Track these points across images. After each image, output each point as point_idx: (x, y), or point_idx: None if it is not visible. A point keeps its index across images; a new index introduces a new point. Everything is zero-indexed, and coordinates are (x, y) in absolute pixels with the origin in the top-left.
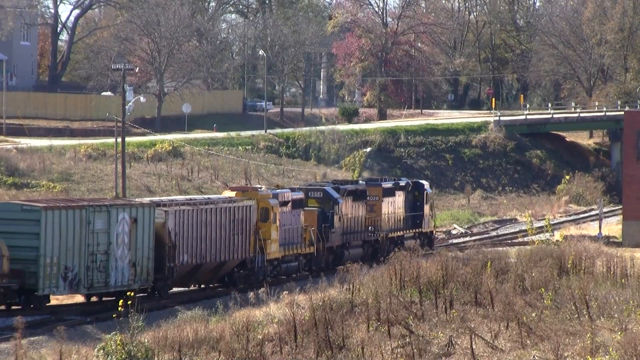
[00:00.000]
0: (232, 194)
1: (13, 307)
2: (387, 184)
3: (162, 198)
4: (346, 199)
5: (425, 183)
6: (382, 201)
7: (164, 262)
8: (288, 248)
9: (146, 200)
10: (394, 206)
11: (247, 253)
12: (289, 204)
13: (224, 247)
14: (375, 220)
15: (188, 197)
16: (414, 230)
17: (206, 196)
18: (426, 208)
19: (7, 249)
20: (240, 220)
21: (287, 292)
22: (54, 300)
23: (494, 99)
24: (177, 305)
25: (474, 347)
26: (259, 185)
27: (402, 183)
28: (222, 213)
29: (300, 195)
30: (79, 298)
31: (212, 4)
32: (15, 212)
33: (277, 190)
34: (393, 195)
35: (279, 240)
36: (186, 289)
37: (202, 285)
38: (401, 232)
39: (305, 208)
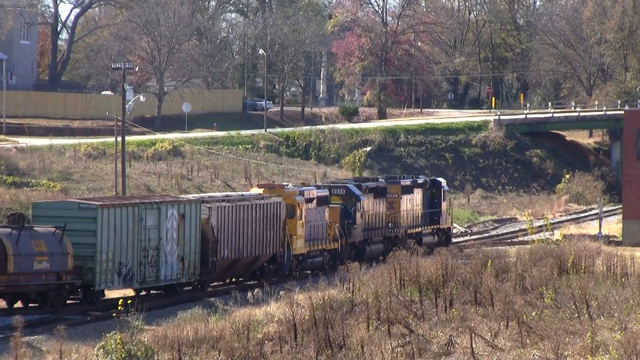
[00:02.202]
0: (260, 190)
1: (69, 302)
2: (406, 182)
3: (202, 195)
4: (367, 195)
5: (443, 181)
6: (401, 198)
7: (208, 256)
8: (313, 244)
9: (192, 196)
10: (412, 203)
11: (277, 248)
12: (314, 201)
13: (258, 242)
14: (395, 216)
15: (224, 193)
16: (432, 227)
17: (239, 193)
18: (443, 205)
19: (72, 246)
20: (271, 216)
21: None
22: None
23: (494, 98)
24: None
25: (474, 346)
26: (286, 183)
27: (420, 181)
28: (256, 209)
29: (325, 192)
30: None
31: (212, 3)
32: (72, 210)
33: (303, 188)
34: (411, 192)
35: (304, 236)
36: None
37: (236, 280)
38: (419, 228)
39: (330, 205)
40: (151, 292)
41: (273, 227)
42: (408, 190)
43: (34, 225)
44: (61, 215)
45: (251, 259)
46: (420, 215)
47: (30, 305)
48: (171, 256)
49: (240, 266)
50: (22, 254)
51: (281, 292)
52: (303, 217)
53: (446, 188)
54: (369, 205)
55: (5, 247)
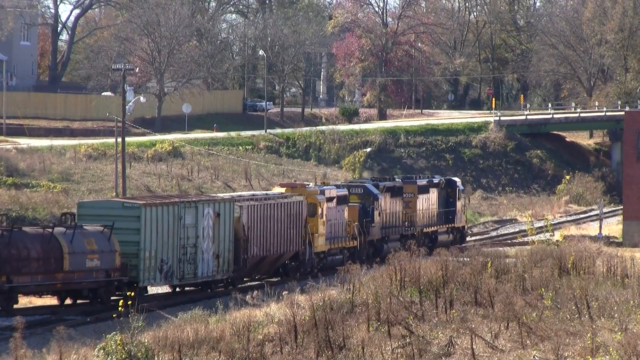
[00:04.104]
0: (282, 190)
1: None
2: (422, 182)
3: (232, 194)
4: (385, 194)
5: (458, 180)
6: (417, 198)
7: (239, 254)
8: (333, 242)
9: (226, 195)
10: (428, 202)
11: (300, 246)
12: (334, 200)
13: (282, 240)
14: (411, 215)
15: (250, 193)
16: (447, 226)
17: (264, 192)
18: (458, 204)
19: (119, 244)
20: (294, 214)
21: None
22: (53, 300)
23: (494, 99)
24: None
25: (474, 347)
26: (307, 182)
27: (436, 180)
28: (281, 208)
29: (344, 191)
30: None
31: (212, 4)
32: (116, 209)
33: (324, 187)
34: (427, 192)
35: (325, 234)
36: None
37: (260, 277)
38: (435, 227)
39: (349, 204)
40: (185, 288)
41: (296, 225)
42: (424, 189)
43: (84, 224)
44: (105, 214)
45: (277, 256)
46: (435, 214)
47: (78, 301)
48: (207, 253)
49: (267, 263)
50: (76, 252)
51: (284, 292)
52: (324, 216)
53: (461, 188)
54: (386, 204)
55: (61, 246)
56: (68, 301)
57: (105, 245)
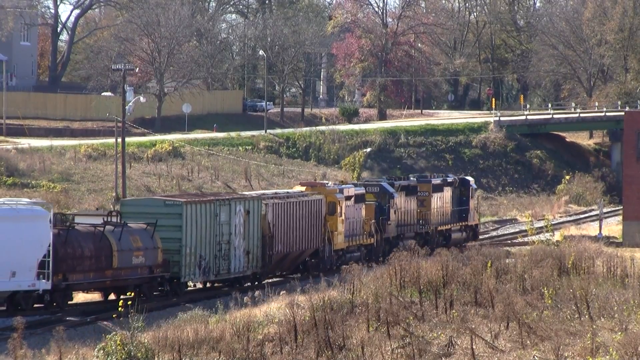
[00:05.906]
0: (302, 188)
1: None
2: (437, 181)
3: (257, 192)
4: (400, 193)
5: (471, 179)
6: (432, 196)
7: (265, 250)
8: (351, 239)
9: (254, 194)
10: (442, 201)
11: (319, 243)
12: (352, 199)
13: (304, 237)
14: (426, 214)
15: (273, 191)
16: (460, 224)
17: (285, 190)
18: (472, 203)
19: (161, 241)
20: (314, 212)
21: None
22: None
23: (494, 99)
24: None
25: (474, 347)
26: (326, 181)
27: (450, 179)
28: (302, 206)
29: (362, 190)
30: (80, 298)
31: (212, 4)
32: (158, 207)
33: (342, 186)
34: (442, 190)
35: (344, 232)
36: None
37: (280, 273)
38: (449, 225)
39: (366, 202)
40: (215, 284)
41: (316, 223)
42: (438, 188)
43: (129, 222)
44: (147, 211)
45: (298, 253)
46: (449, 212)
47: (121, 297)
48: (239, 250)
49: (289, 260)
50: (123, 250)
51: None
52: (343, 214)
53: (474, 187)
54: (401, 202)
55: (111, 244)
56: (112, 297)
57: (149, 243)
